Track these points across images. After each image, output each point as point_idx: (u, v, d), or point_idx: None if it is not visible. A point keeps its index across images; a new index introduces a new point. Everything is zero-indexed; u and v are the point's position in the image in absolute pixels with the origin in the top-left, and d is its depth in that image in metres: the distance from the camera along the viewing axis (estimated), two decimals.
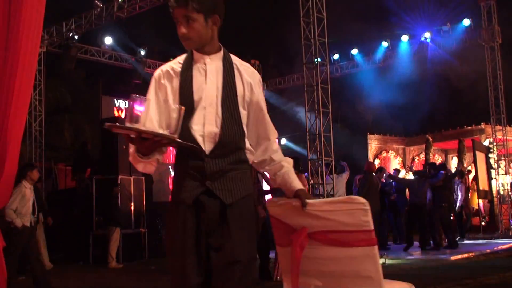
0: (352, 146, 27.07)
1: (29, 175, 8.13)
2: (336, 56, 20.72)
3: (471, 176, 17.51)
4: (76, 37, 16.98)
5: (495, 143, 17.87)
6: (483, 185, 16.08)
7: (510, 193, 17.64)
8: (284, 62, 30.62)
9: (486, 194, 16.34)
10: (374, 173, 12.85)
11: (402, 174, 18.65)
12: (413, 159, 22.47)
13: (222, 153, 2.73)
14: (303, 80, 11.20)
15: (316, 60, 10.69)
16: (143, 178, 13.75)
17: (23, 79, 5.09)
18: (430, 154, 19.44)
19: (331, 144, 10.45)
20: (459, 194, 14.87)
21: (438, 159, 21.42)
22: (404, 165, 21.96)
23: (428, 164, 15.20)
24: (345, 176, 12.42)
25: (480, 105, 20.28)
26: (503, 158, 18.03)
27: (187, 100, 2.76)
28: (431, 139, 19.43)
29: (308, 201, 2.81)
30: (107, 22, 16.11)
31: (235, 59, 2.94)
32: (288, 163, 3.00)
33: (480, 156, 16.21)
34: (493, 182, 17.28)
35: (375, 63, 20.33)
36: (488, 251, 12.15)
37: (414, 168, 18.43)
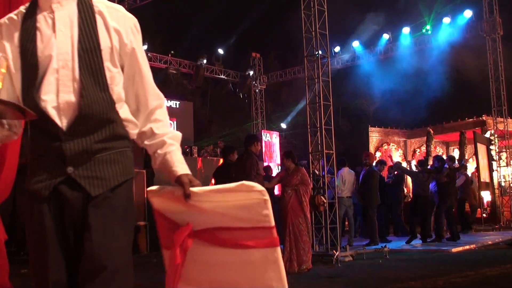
0: (353, 139, 27.10)
1: None
2: (337, 49, 20.67)
3: (472, 168, 17.52)
4: None
5: (496, 135, 17.86)
6: (485, 177, 16.09)
7: (511, 185, 17.65)
8: (285, 55, 30.62)
9: (488, 186, 16.35)
10: (374, 165, 12.92)
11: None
12: (414, 151, 22.47)
13: (85, 129, 2.12)
14: (304, 73, 11.18)
15: (317, 52, 10.66)
16: (144, 171, 13.77)
17: None
18: (431, 146, 19.44)
19: (332, 137, 10.43)
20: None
21: (439, 151, 21.42)
22: (405, 157, 21.97)
23: (434, 157, 15.17)
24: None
25: (481, 97, 20.28)
26: (504, 150, 18.03)
27: (30, 62, 2.13)
28: (432, 132, 19.42)
29: (193, 189, 2.17)
30: None
31: (97, 0, 2.25)
32: (173, 139, 2.33)
33: (481, 148, 16.22)
34: (495, 174, 17.29)
35: (376, 55, 20.28)
36: (489, 242, 12.17)
37: (415, 162, 18.42)
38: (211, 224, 2.24)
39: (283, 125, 28.96)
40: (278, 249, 2.19)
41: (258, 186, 2.15)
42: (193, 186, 2.18)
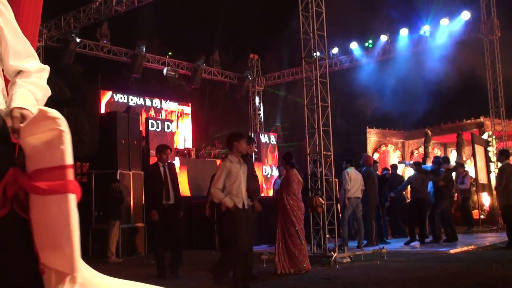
0: (351, 140, 27.09)
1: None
2: (335, 50, 20.69)
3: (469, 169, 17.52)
4: (74, 31, 16.95)
5: (494, 137, 17.87)
6: (482, 179, 16.10)
7: None
8: (283, 56, 30.59)
9: (485, 188, 16.36)
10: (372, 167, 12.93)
11: (400, 169, 18.57)
12: (412, 153, 22.49)
13: None
14: (302, 74, 11.19)
15: (315, 54, 10.67)
16: (142, 172, 13.74)
17: None
18: (429, 147, 19.46)
19: (330, 139, 10.44)
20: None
21: (437, 152, 21.44)
22: (403, 158, 21.99)
23: (434, 157, 15.16)
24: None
25: (479, 98, 20.30)
26: None
27: None
28: (430, 133, 19.44)
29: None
30: (105, 16, 16.09)
31: None
32: (30, 84, 2.05)
33: (479, 149, 16.22)
34: (492, 175, 17.30)
35: (374, 56, 20.30)
36: (487, 244, 12.18)
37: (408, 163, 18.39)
38: (30, 166, 1.88)
39: (280, 126, 28.95)
40: (72, 198, 1.82)
41: (53, 112, 1.85)
42: (24, 120, 1.86)
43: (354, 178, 11.91)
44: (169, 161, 9.11)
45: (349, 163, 12.20)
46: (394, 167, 15.62)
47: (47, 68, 2.19)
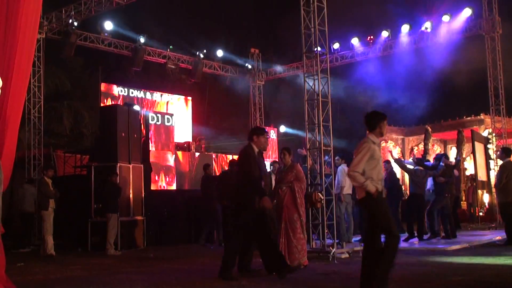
0: (351, 136, 27.05)
1: None
2: (336, 45, 20.65)
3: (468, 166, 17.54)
4: (75, 23, 16.92)
5: (494, 134, 17.86)
6: (482, 176, 16.10)
7: None
8: (284, 51, 30.54)
9: (484, 185, 16.36)
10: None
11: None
12: (412, 149, 22.49)
13: None
14: (303, 69, 11.17)
15: (316, 49, 10.64)
16: (142, 165, 13.75)
17: (21, 65, 5.08)
18: (429, 144, 19.45)
19: (330, 134, 10.43)
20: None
21: (437, 149, 21.44)
22: (403, 155, 21.99)
23: (435, 154, 15.16)
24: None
25: (479, 95, 20.28)
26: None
27: None
28: (430, 130, 19.43)
29: None
30: (106, 8, 16.05)
31: None
32: None
33: (479, 146, 16.22)
34: (492, 172, 17.30)
35: (375, 52, 20.26)
36: (486, 241, 12.18)
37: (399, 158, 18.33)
38: None
39: (281, 121, 28.93)
40: None
41: None
42: None
43: (346, 176, 12.00)
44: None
45: (343, 160, 12.27)
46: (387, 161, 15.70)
47: None
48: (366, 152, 5.89)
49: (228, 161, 17.51)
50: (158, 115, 16.52)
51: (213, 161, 17.77)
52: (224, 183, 12.57)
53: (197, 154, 17.53)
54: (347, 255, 9.92)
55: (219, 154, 19.70)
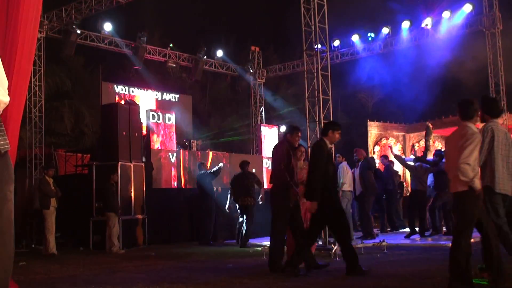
0: (352, 133, 27.07)
1: None
2: (336, 43, 20.62)
3: None
4: (76, 22, 16.91)
5: None
6: None
7: None
8: (285, 48, 30.54)
9: None
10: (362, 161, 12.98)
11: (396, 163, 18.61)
12: (413, 146, 22.47)
13: None
14: (303, 67, 11.18)
15: (316, 46, 10.64)
16: (143, 164, 13.76)
17: (22, 64, 5.07)
18: (430, 141, 19.40)
19: None
20: None
21: (438, 146, 21.42)
22: (404, 151, 21.98)
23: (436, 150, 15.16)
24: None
25: (480, 91, 20.25)
26: None
27: None
28: (431, 126, 19.40)
29: None
30: (107, 7, 16.04)
31: None
32: None
33: None
34: None
35: (376, 49, 20.24)
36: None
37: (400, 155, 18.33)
38: None
39: (282, 119, 28.94)
40: None
41: None
42: None
43: (346, 173, 12.07)
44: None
45: (343, 157, 12.32)
46: (385, 156, 15.74)
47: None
48: (477, 143, 5.54)
49: (228, 160, 17.52)
50: (158, 113, 16.51)
51: (213, 160, 17.74)
52: (238, 184, 12.68)
53: (198, 152, 17.51)
54: None
55: (219, 153, 19.70)
